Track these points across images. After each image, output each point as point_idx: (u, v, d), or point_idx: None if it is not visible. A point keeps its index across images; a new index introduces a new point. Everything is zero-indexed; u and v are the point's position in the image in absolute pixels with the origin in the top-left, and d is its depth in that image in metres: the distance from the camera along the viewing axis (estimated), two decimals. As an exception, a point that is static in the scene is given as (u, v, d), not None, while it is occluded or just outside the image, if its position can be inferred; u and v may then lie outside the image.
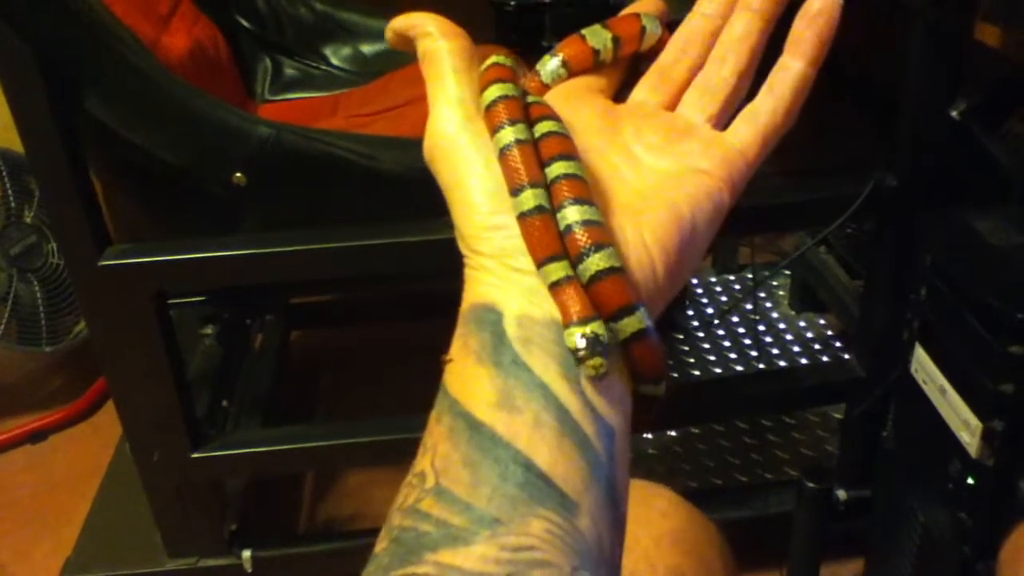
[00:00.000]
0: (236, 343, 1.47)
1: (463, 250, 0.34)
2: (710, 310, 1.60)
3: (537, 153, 0.35)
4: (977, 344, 0.88)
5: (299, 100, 1.48)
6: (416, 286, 1.54)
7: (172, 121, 0.99)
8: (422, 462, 0.31)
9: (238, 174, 0.98)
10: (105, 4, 1.01)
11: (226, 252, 0.96)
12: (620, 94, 0.42)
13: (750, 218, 1.07)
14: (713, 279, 1.67)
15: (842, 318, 1.49)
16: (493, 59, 0.37)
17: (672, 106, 0.40)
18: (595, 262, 0.32)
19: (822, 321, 1.58)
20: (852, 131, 1.15)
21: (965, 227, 0.95)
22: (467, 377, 0.32)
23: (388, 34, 0.38)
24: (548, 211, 0.33)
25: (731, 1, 0.40)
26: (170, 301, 1.02)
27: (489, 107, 0.35)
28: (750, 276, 1.63)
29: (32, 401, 1.66)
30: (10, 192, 1.60)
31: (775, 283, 1.65)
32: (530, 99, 0.37)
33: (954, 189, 1.03)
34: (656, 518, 0.60)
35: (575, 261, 0.33)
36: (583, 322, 0.31)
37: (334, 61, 1.50)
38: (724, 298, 1.63)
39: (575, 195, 0.33)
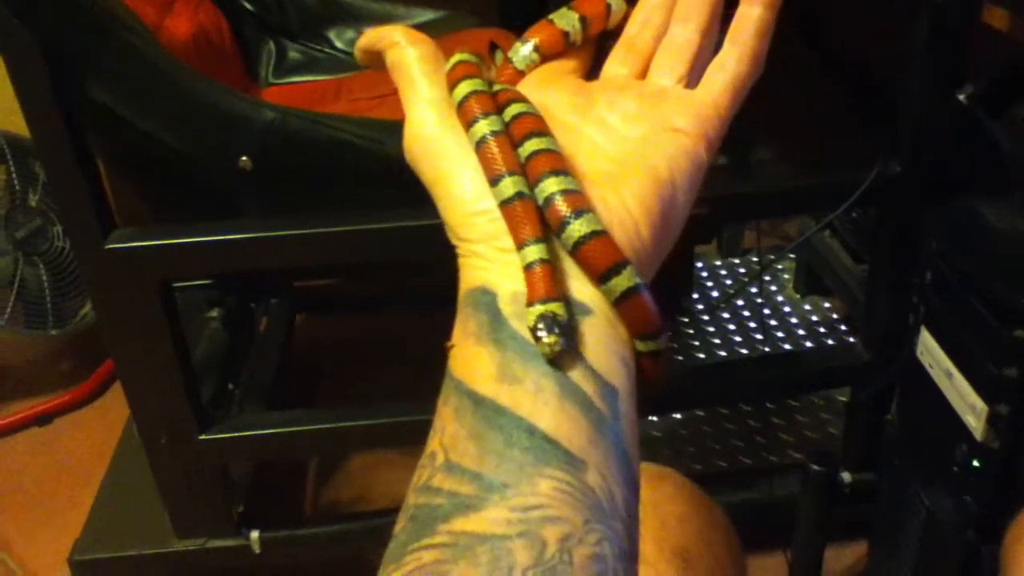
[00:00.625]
0: (241, 327, 1.47)
1: (452, 240, 0.35)
2: (715, 294, 1.60)
3: (511, 140, 0.35)
4: (982, 328, 0.88)
5: (303, 84, 1.47)
6: (420, 270, 1.54)
7: (176, 106, 0.99)
8: (432, 443, 0.32)
9: (243, 158, 0.98)
10: (109, -13, 1.01)
11: (232, 236, 0.96)
12: (591, 73, 0.43)
13: (756, 203, 1.07)
14: (718, 263, 1.67)
15: (847, 302, 1.49)
16: (457, 57, 0.38)
17: (642, 75, 0.41)
18: (577, 228, 0.33)
19: (827, 305, 1.58)
20: (856, 118, 1.15)
21: (970, 212, 0.95)
22: (468, 357, 0.32)
23: (357, 53, 0.40)
24: (528, 196, 0.34)
25: None
26: (176, 285, 1.02)
27: (461, 103, 0.36)
28: (755, 260, 1.63)
29: (38, 384, 1.67)
30: (15, 176, 1.60)
31: (780, 267, 1.65)
32: (497, 87, 0.38)
33: (959, 175, 1.03)
34: (662, 500, 0.60)
35: (558, 230, 0.34)
36: (544, 302, 0.32)
37: (338, 44, 1.49)
38: (729, 282, 1.63)
39: (551, 167, 0.35)
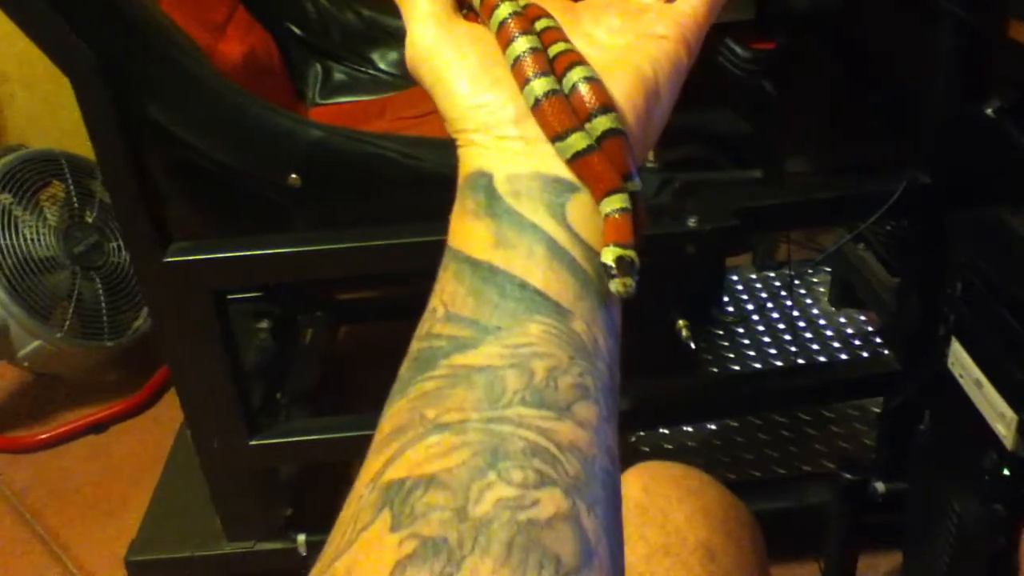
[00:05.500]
0: (288, 338, 1.52)
1: (452, 135, 0.39)
2: (750, 306, 1.62)
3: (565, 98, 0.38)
4: (1012, 338, 0.89)
5: (347, 104, 1.52)
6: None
7: (229, 125, 1.04)
8: (433, 301, 0.35)
9: (292, 175, 1.03)
10: (166, 13, 1.07)
11: (281, 249, 1.00)
12: None
13: (785, 214, 1.09)
14: (753, 276, 1.69)
15: (881, 315, 1.50)
16: None
17: None
18: (576, 73, 0.37)
19: (862, 317, 1.58)
20: (886, 130, 1.17)
21: (999, 223, 0.96)
22: (466, 230, 0.36)
23: None
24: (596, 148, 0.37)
25: None
26: (228, 297, 1.07)
27: (501, 24, 0.39)
28: (789, 272, 1.65)
29: (94, 393, 1.72)
30: (74, 194, 1.67)
31: (815, 280, 1.66)
32: (522, 2, 0.41)
33: (988, 185, 1.04)
34: (687, 496, 0.63)
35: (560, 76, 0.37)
36: (622, 247, 0.35)
37: (381, 65, 1.54)
38: (764, 295, 1.65)
39: (578, 59, 0.39)
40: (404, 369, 0.34)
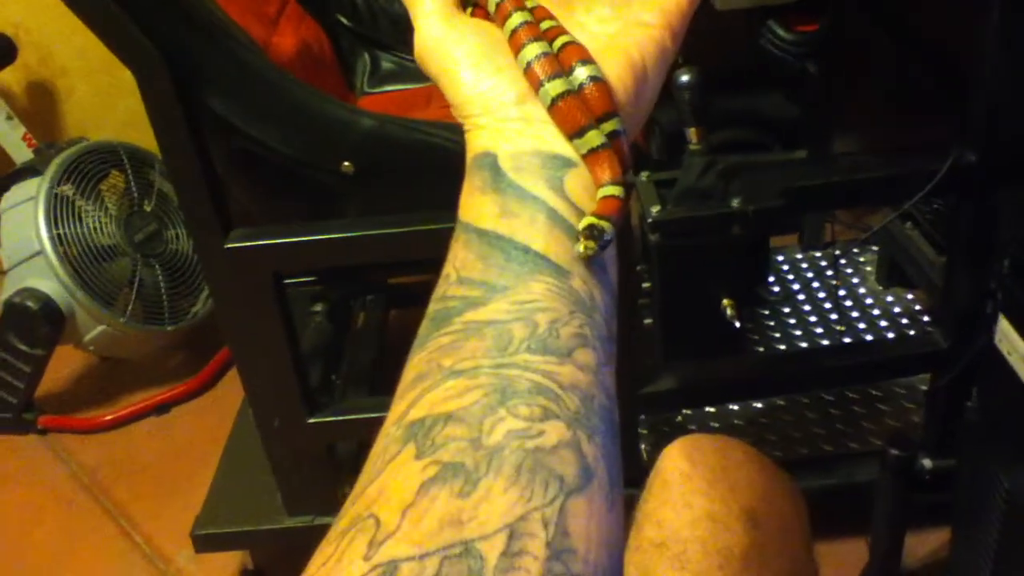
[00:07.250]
0: (342, 321, 1.56)
1: (459, 119, 0.42)
2: (795, 286, 1.62)
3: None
4: (1058, 314, 0.90)
5: (395, 92, 1.56)
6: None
7: (286, 116, 1.08)
8: (446, 268, 0.39)
9: (346, 163, 1.06)
10: (222, 8, 1.10)
11: (336, 235, 1.04)
12: None
13: (832, 192, 1.10)
14: (799, 256, 1.69)
15: (930, 294, 1.49)
16: None
17: None
18: (563, 39, 0.42)
19: (909, 296, 1.58)
20: (935, 107, 1.17)
21: (1047, 199, 0.96)
22: (474, 204, 0.39)
23: None
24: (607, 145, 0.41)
25: None
26: (285, 281, 1.11)
27: (513, 32, 0.43)
28: (837, 253, 1.65)
29: (156, 376, 1.79)
30: (133, 184, 1.73)
31: (862, 260, 1.66)
32: (531, 3, 0.45)
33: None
34: (732, 466, 0.65)
35: (568, 73, 0.41)
36: (598, 217, 0.39)
37: (427, 54, 1.57)
38: (810, 274, 1.65)
39: (564, 31, 0.43)
40: (422, 328, 0.38)
